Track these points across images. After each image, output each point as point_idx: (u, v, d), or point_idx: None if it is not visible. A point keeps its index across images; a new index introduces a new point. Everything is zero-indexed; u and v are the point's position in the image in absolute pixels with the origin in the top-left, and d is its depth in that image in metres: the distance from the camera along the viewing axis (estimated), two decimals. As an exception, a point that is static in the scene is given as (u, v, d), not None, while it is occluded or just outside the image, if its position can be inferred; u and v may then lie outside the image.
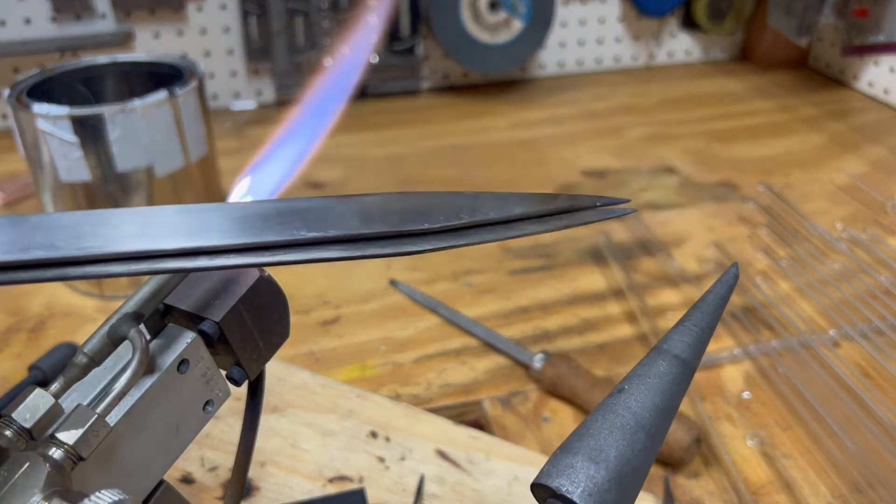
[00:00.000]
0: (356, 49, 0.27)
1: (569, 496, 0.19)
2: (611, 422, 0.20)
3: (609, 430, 0.20)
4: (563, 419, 0.45)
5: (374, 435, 0.43)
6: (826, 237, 0.60)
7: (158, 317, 0.24)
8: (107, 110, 0.49)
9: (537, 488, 0.20)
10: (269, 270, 0.25)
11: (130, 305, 0.22)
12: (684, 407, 0.45)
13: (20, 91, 0.52)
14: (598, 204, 0.21)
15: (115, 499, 0.19)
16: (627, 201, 0.23)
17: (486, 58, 0.89)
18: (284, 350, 0.28)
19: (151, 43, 0.84)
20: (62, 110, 0.49)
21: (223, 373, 0.25)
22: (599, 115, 0.88)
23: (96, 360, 0.22)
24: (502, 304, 0.55)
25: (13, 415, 0.20)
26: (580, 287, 0.57)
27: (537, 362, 0.47)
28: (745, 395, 0.47)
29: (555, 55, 0.99)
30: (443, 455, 0.41)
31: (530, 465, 0.41)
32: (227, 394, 0.26)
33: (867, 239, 0.61)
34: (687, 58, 1.03)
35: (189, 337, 0.24)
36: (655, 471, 0.42)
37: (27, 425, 0.20)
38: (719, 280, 0.24)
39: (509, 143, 0.82)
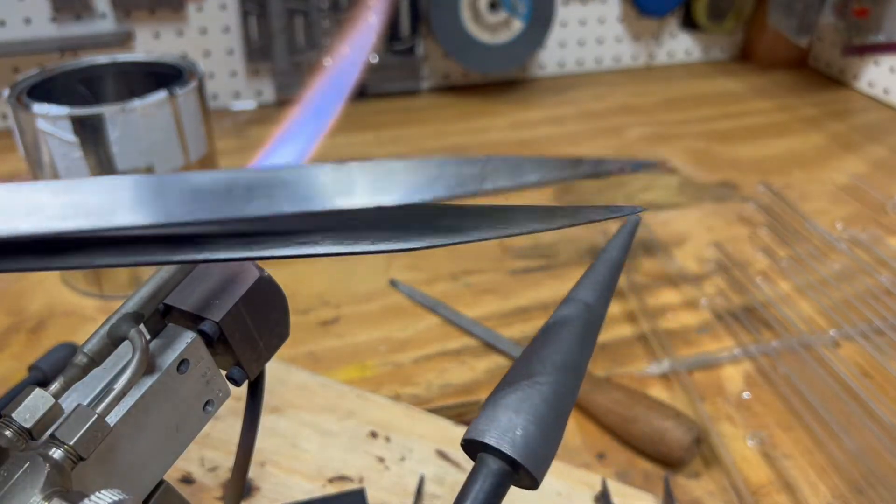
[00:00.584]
0: (356, 49, 0.27)
1: (497, 447, 0.20)
2: (527, 371, 0.22)
3: (526, 378, 0.21)
4: (563, 419, 0.45)
5: (374, 435, 0.43)
6: (826, 237, 0.61)
7: (158, 317, 0.24)
8: (107, 110, 0.49)
9: (468, 444, 0.21)
10: (268, 269, 0.25)
11: (130, 305, 0.22)
12: (685, 407, 0.45)
13: (20, 91, 0.52)
14: (628, 167, 0.20)
15: (115, 499, 0.19)
16: (642, 210, 0.23)
17: (486, 58, 0.89)
18: (284, 350, 0.28)
19: (151, 43, 0.84)
20: (62, 110, 0.49)
21: (223, 373, 0.25)
22: (599, 115, 0.88)
23: (96, 360, 0.22)
24: (502, 304, 0.55)
25: (13, 415, 0.20)
26: (580, 287, 0.57)
27: (537, 362, 0.47)
28: (746, 395, 0.47)
29: (555, 55, 0.99)
30: (443, 455, 0.41)
31: (530, 465, 0.41)
32: (227, 394, 0.26)
33: (867, 239, 0.61)
34: (687, 58, 1.03)
35: (189, 337, 0.24)
36: (655, 471, 0.42)
37: (27, 425, 0.20)
38: (621, 228, 0.26)
39: (509, 143, 0.82)
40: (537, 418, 0.20)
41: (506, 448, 0.20)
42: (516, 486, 0.21)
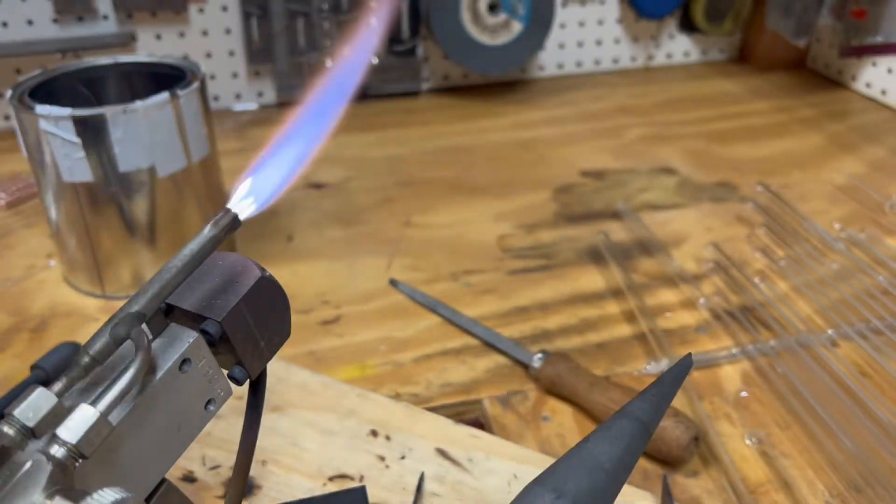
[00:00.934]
0: (358, 51, 0.27)
1: None
2: (574, 461, 0.23)
3: (572, 467, 0.23)
4: (562, 418, 0.45)
5: (374, 434, 0.43)
6: (824, 237, 0.61)
7: (161, 316, 0.24)
8: (109, 111, 0.49)
9: None
10: (269, 269, 0.26)
11: (133, 305, 0.23)
12: (683, 406, 0.45)
13: (22, 92, 0.52)
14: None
15: (117, 497, 0.19)
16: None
17: (486, 59, 0.89)
18: (285, 350, 0.28)
19: (153, 44, 0.85)
20: (64, 111, 0.49)
21: (224, 372, 0.26)
22: (598, 116, 0.88)
23: (99, 359, 0.22)
24: (502, 304, 0.56)
25: (16, 413, 0.20)
26: (579, 287, 0.58)
27: (537, 362, 0.47)
28: (744, 394, 0.47)
29: (554, 56, 0.99)
30: (443, 454, 0.42)
31: (530, 464, 0.41)
32: (229, 393, 0.26)
33: (865, 239, 0.61)
34: (685, 59, 1.03)
35: (191, 336, 0.24)
36: (654, 469, 0.42)
37: (30, 424, 0.20)
38: (676, 364, 0.28)
39: (509, 144, 0.82)
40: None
41: None
42: None
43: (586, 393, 0.45)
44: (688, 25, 1.00)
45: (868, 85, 0.91)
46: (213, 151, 0.57)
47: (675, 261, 0.60)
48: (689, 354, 0.28)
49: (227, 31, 0.87)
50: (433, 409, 0.46)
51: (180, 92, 0.51)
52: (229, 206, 0.24)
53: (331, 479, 0.40)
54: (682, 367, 0.28)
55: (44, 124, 0.49)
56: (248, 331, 0.25)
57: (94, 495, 0.19)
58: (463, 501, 0.39)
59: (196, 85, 0.53)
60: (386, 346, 0.51)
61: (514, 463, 0.41)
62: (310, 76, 0.89)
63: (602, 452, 0.24)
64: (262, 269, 0.25)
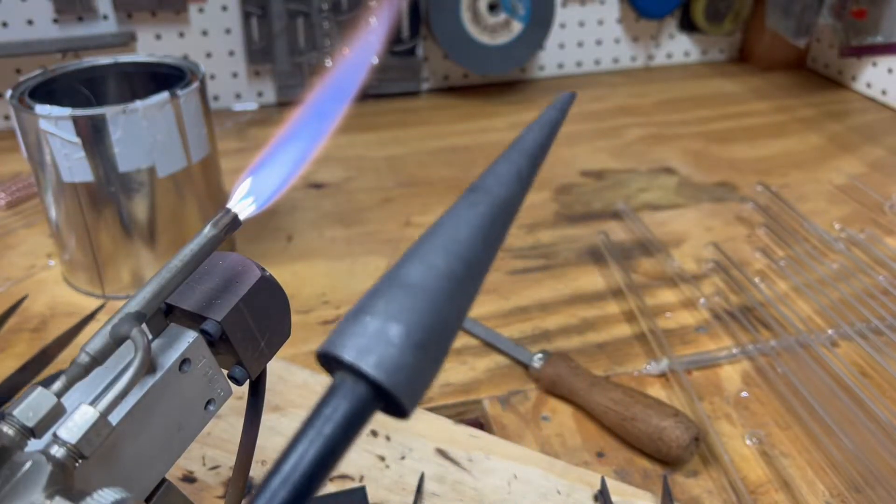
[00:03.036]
0: (360, 51, 0.27)
1: (355, 364, 0.15)
2: (415, 276, 0.16)
3: (408, 275, 0.16)
4: (562, 418, 0.45)
5: (374, 434, 0.43)
6: (824, 237, 0.61)
7: (160, 316, 0.24)
8: (109, 111, 0.49)
9: (324, 358, 0.16)
10: (269, 270, 0.26)
11: (133, 305, 0.23)
12: (683, 406, 0.45)
13: (22, 92, 0.52)
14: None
15: (117, 497, 0.19)
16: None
17: (486, 59, 0.89)
18: (285, 349, 0.28)
19: (153, 44, 0.85)
20: (64, 111, 0.49)
21: (224, 372, 0.26)
22: (598, 116, 0.88)
23: (98, 359, 0.22)
24: (502, 304, 0.56)
25: (15, 413, 0.20)
26: (579, 287, 0.58)
27: (536, 362, 0.47)
28: (744, 394, 0.47)
29: (554, 56, 0.99)
30: (443, 454, 0.42)
31: (530, 463, 0.41)
32: (229, 393, 0.26)
33: (865, 239, 0.61)
34: (685, 59, 1.03)
35: (191, 336, 0.24)
36: (654, 469, 0.42)
37: (30, 424, 0.20)
38: (550, 106, 0.21)
39: (509, 144, 0.82)
40: (415, 328, 0.16)
41: (369, 367, 0.15)
42: (383, 412, 0.16)
43: (586, 393, 0.45)
44: (688, 25, 1.00)
45: (868, 85, 0.91)
46: (212, 151, 0.57)
47: (675, 261, 0.60)
48: (574, 94, 0.21)
49: (227, 31, 0.86)
50: (433, 409, 0.46)
51: (180, 92, 0.51)
52: (229, 206, 0.24)
53: (331, 479, 0.40)
54: (561, 105, 0.21)
55: (44, 124, 0.49)
56: (248, 331, 0.25)
57: (94, 495, 0.19)
58: (463, 501, 0.39)
59: (196, 85, 0.53)
60: (386, 346, 0.51)
61: (514, 463, 0.41)
62: (310, 76, 0.89)
63: (440, 249, 0.17)
64: (262, 269, 0.25)
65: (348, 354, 0.15)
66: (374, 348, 0.15)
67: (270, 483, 0.15)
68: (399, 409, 0.16)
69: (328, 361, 0.16)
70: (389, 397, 0.16)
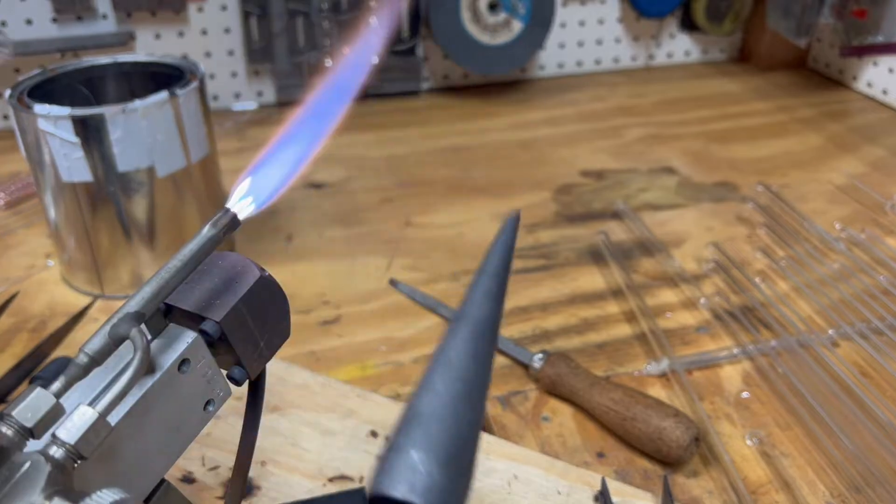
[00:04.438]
0: (360, 51, 0.27)
1: (406, 499, 0.17)
2: (425, 405, 0.19)
3: (427, 413, 0.19)
4: (562, 418, 0.45)
5: (374, 434, 0.43)
6: (825, 237, 0.61)
7: (160, 317, 0.24)
8: (108, 111, 0.49)
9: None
10: (268, 270, 0.26)
11: (132, 305, 0.23)
12: (683, 406, 0.45)
13: (21, 91, 0.52)
14: None
15: (116, 498, 0.19)
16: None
17: (486, 59, 0.89)
18: (285, 350, 0.28)
19: (152, 44, 0.85)
20: (63, 111, 0.49)
21: (224, 372, 0.26)
22: (598, 116, 0.88)
23: (97, 359, 0.22)
24: (502, 305, 0.55)
25: (14, 414, 0.20)
26: (579, 287, 0.57)
27: (537, 362, 0.47)
28: (744, 394, 0.47)
29: (554, 56, 0.99)
30: (442, 454, 0.42)
31: (530, 463, 0.41)
32: (228, 393, 0.26)
33: (866, 239, 0.61)
34: (686, 59, 1.03)
35: (190, 337, 0.24)
36: (654, 469, 0.42)
37: (28, 424, 0.20)
38: (502, 229, 0.24)
39: (509, 144, 0.82)
40: (434, 449, 0.18)
41: (401, 494, 0.17)
42: None
43: (586, 393, 0.45)
44: (688, 25, 1.00)
45: (869, 85, 0.91)
46: (212, 151, 0.57)
47: (675, 261, 0.60)
48: (518, 213, 0.24)
49: (227, 31, 0.86)
50: (433, 410, 0.45)
51: (179, 91, 0.51)
52: (228, 205, 0.24)
53: (331, 479, 0.40)
54: (511, 226, 0.24)
55: (43, 124, 0.49)
56: (248, 331, 0.25)
57: (93, 496, 0.19)
58: (463, 502, 0.39)
59: (195, 84, 0.53)
60: (386, 347, 0.51)
61: (514, 463, 0.41)
62: (310, 76, 0.89)
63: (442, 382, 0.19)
64: (262, 269, 0.25)
65: (377, 489, 0.17)
66: (403, 477, 0.17)
67: None
68: None
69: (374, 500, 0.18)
70: None
